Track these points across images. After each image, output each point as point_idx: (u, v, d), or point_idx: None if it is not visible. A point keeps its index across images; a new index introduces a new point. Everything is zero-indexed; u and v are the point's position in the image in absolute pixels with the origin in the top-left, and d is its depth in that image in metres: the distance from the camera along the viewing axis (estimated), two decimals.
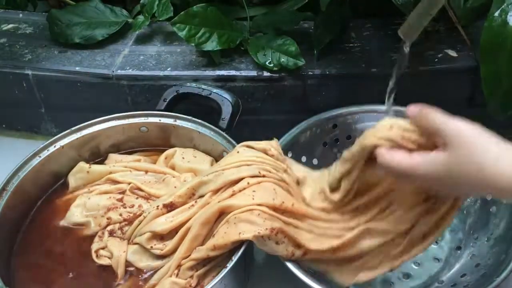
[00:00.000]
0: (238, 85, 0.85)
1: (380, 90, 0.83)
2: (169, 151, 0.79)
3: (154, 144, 0.82)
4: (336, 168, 0.62)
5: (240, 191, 0.63)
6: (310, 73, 0.83)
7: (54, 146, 0.76)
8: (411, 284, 0.70)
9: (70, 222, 0.72)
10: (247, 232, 0.59)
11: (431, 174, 0.50)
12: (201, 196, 0.66)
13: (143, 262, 0.66)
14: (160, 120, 0.79)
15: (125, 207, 0.72)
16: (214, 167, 0.68)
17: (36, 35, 0.96)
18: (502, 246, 0.66)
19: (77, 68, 0.88)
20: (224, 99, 0.79)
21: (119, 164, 0.78)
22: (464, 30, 0.85)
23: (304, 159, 0.79)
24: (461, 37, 0.86)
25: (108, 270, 0.67)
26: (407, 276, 0.71)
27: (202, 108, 0.80)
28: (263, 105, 0.86)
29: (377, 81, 0.83)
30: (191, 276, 0.62)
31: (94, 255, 0.68)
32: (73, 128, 0.78)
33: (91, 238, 0.70)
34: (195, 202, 0.66)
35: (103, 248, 0.68)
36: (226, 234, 0.60)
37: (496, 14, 0.70)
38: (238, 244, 0.61)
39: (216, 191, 0.65)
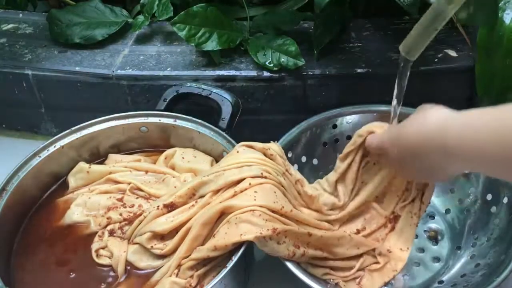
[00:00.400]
0: (238, 85, 0.85)
1: (380, 90, 0.83)
2: (169, 151, 0.79)
3: (154, 144, 0.82)
4: (330, 176, 0.70)
5: (241, 191, 0.63)
6: (310, 73, 0.83)
7: (54, 146, 0.76)
8: (411, 284, 0.70)
9: (71, 220, 0.72)
10: (249, 233, 0.59)
11: (391, 139, 0.61)
12: (202, 196, 0.66)
13: (143, 261, 0.66)
14: (160, 120, 0.79)
15: (125, 207, 0.72)
16: (215, 167, 0.68)
17: (36, 35, 0.96)
18: (502, 246, 0.66)
19: (77, 68, 0.88)
20: (224, 99, 0.79)
21: (119, 164, 0.78)
22: (464, 30, 0.85)
23: (304, 159, 0.79)
24: (461, 37, 0.86)
25: (108, 269, 0.67)
26: (407, 276, 0.71)
27: (202, 108, 0.80)
28: (263, 105, 0.86)
29: (377, 81, 0.84)
30: (191, 276, 0.62)
31: (94, 255, 0.68)
32: (73, 128, 0.78)
33: (91, 237, 0.70)
34: (196, 202, 0.66)
35: (103, 248, 0.68)
36: (227, 234, 0.60)
37: None
38: (238, 244, 0.61)
39: (216, 191, 0.65)
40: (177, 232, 0.65)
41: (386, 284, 0.69)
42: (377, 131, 0.66)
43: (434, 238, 0.75)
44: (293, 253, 0.62)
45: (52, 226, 0.73)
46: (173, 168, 0.77)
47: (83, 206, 0.73)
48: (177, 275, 0.63)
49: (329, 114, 0.80)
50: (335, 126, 0.80)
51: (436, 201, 0.78)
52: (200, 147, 0.79)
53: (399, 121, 0.63)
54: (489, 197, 0.72)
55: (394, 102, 0.65)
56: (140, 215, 0.69)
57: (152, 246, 0.66)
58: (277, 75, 0.84)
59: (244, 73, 0.84)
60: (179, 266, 0.63)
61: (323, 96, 0.85)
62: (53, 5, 1.10)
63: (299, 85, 0.84)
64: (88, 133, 0.78)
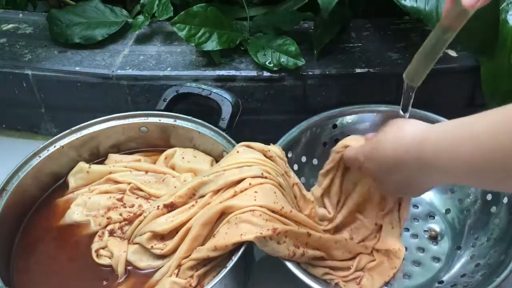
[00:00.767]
0: (238, 85, 0.85)
1: (380, 90, 0.83)
2: (169, 151, 0.79)
3: (154, 144, 0.82)
4: (315, 191, 0.70)
5: (241, 191, 0.63)
6: (310, 73, 0.83)
7: (54, 146, 0.76)
8: (411, 284, 0.70)
9: (71, 220, 0.72)
10: (249, 233, 0.59)
11: (366, 154, 0.61)
12: (202, 196, 0.66)
13: (143, 261, 0.66)
14: (160, 120, 0.79)
15: (125, 207, 0.72)
16: (215, 167, 0.68)
17: (36, 35, 0.96)
18: (502, 246, 0.66)
19: (77, 68, 0.88)
20: (224, 99, 0.79)
21: (119, 164, 0.78)
22: None
23: (304, 159, 0.79)
24: None
25: (108, 269, 0.67)
26: (407, 276, 0.71)
27: (202, 108, 0.80)
28: (263, 105, 0.86)
29: (377, 81, 0.84)
30: (191, 276, 0.62)
31: (94, 255, 0.68)
32: (73, 128, 0.78)
33: (91, 237, 0.70)
34: (196, 202, 0.66)
35: (103, 248, 0.68)
36: (227, 234, 0.60)
37: None
38: (238, 244, 0.61)
39: (216, 192, 0.65)
40: (177, 232, 0.65)
41: (386, 284, 0.69)
42: (352, 144, 0.66)
43: (434, 238, 0.75)
44: (293, 253, 0.62)
45: (52, 226, 0.73)
46: (173, 168, 0.77)
47: (83, 206, 0.73)
48: (177, 275, 0.63)
49: (329, 114, 0.80)
50: (335, 126, 0.80)
51: (436, 201, 0.78)
52: (200, 147, 0.79)
53: None
54: (489, 197, 0.72)
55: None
56: (140, 215, 0.69)
57: (152, 246, 0.66)
58: (277, 75, 0.84)
59: (244, 73, 0.84)
60: (179, 266, 0.63)
61: (323, 96, 0.85)
62: (53, 5, 1.10)
63: (299, 85, 0.84)
64: (88, 133, 0.78)
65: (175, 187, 0.71)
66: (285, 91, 0.85)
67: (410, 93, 0.62)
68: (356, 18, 0.92)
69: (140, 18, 0.92)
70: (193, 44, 0.83)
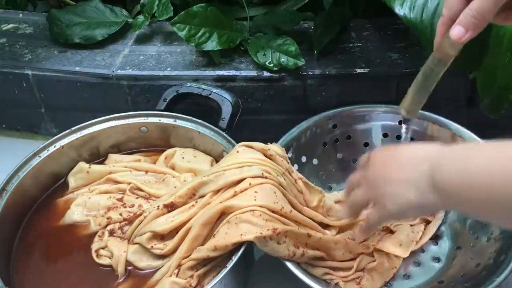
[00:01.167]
0: (238, 85, 0.85)
1: (380, 90, 0.83)
2: (169, 151, 0.79)
3: (154, 144, 0.82)
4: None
5: (241, 191, 0.63)
6: (310, 73, 0.83)
7: (54, 146, 0.76)
8: (411, 284, 0.70)
9: (71, 220, 0.72)
10: (249, 233, 0.59)
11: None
12: (202, 196, 0.66)
13: (143, 261, 0.66)
14: (160, 120, 0.79)
15: (125, 207, 0.72)
16: (215, 167, 0.68)
17: (36, 35, 0.96)
18: (502, 246, 0.66)
19: (77, 68, 0.88)
20: (224, 99, 0.79)
21: (119, 164, 0.78)
22: None
23: (304, 159, 0.79)
24: None
25: (108, 269, 0.67)
26: (407, 276, 0.71)
27: (202, 108, 0.80)
28: (263, 105, 0.86)
29: (377, 81, 0.84)
30: (191, 276, 0.62)
31: (94, 255, 0.68)
32: (73, 128, 0.78)
33: (91, 237, 0.70)
34: (196, 202, 0.66)
35: (103, 248, 0.68)
36: (227, 234, 0.60)
37: None
38: (238, 244, 0.61)
39: (216, 192, 0.65)
40: (177, 232, 0.65)
41: (386, 284, 0.69)
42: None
43: (434, 238, 0.75)
44: (293, 253, 0.62)
45: (52, 226, 0.73)
46: (173, 168, 0.77)
47: (83, 206, 0.73)
48: (177, 275, 0.63)
49: (329, 114, 0.80)
50: (335, 126, 0.80)
51: None
52: (200, 147, 0.79)
53: None
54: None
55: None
56: (140, 215, 0.69)
57: (152, 246, 0.66)
58: (277, 75, 0.84)
59: (244, 73, 0.84)
60: (179, 266, 0.63)
61: (323, 96, 0.85)
62: (53, 5, 1.10)
63: (299, 85, 0.84)
64: (88, 133, 0.78)
65: (175, 187, 0.71)
66: (285, 91, 0.85)
67: (409, 123, 0.63)
68: (356, 18, 0.92)
69: (140, 18, 0.92)
70: (193, 44, 0.83)
